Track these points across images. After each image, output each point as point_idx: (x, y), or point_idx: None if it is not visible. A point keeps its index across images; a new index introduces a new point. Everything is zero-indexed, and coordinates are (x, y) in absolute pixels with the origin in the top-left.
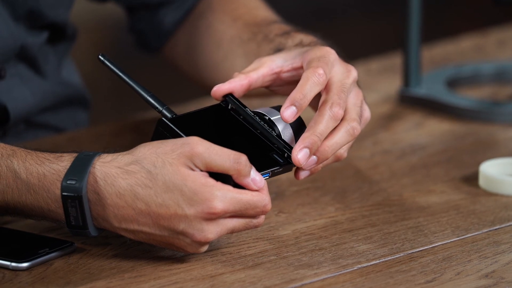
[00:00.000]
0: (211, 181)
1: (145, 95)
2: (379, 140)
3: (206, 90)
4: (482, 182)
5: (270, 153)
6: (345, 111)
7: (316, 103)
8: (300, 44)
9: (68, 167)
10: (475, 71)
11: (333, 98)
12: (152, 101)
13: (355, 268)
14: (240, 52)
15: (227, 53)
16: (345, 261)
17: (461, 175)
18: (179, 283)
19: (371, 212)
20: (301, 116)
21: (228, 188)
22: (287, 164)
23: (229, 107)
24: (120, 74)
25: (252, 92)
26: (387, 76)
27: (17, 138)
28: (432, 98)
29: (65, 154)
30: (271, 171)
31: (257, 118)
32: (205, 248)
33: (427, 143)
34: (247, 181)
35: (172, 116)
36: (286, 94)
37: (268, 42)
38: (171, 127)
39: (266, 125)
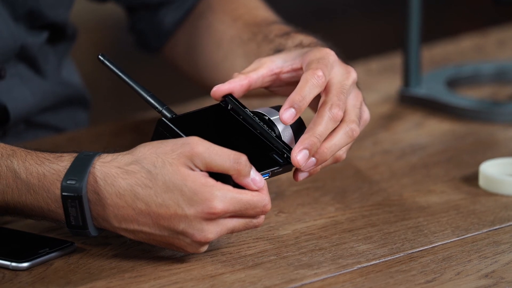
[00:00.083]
0: (211, 181)
1: (145, 95)
2: (379, 140)
3: (206, 90)
4: (482, 182)
5: (270, 153)
6: (344, 113)
7: (315, 104)
8: (300, 45)
9: (68, 167)
10: (475, 71)
11: (333, 100)
12: (152, 101)
13: (355, 268)
14: (240, 52)
15: (227, 53)
16: (345, 261)
17: (461, 175)
18: (179, 283)
19: (371, 212)
20: (301, 117)
21: (228, 188)
22: (287, 164)
23: (229, 107)
24: (120, 74)
25: (252, 93)
26: (387, 76)
27: (17, 138)
28: (432, 98)
29: (65, 154)
30: (271, 171)
31: (257, 118)
32: (205, 248)
33: (427, 143)
34: (247, 181)
35: (172, 116)
36: (286, 94)
37: (268, 42)
38: (171, 127)
39: (265, 126)
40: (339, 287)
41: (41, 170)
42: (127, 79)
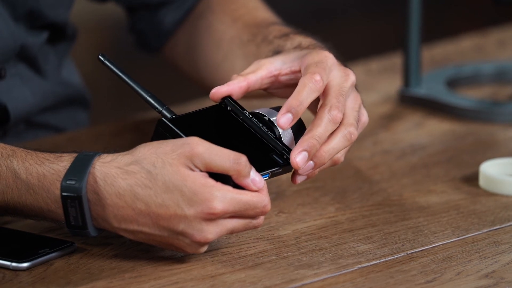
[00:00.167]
0: (211, 181)
1: (145, 96)
2: (379, 140)
3: (205, 90)
4: (482, 182)
5: (269, 154)
6: (343, 116)
7: (314, 106)
8: (299, 47)
9: (68, 167)
10: (475, 71)
11: (332, 102)
12: (152, 102)
13: (355, 268)
14: (240, 53)
15: (227, 54)
16: (345, 261)
17: (461, 175)
18: (180, 283)
19: (371, 212)
20: (301, 118)
21: (228, 189)
22: (287, 165)
23: (229, 108)
24: (120, 74)
25: (251, 94)
26: (387, 76)
27: (17, 138)
28: (432, 98)
29: (65, 154)
30: (270, 172)
31: (256, 120)
32: (205, 248)
33: (427, 143)
34: (246, 182)
35: (172, 116)
36: (284, 96)
37: (267, 43)
38: (171, 127)
39: (264, 127)
40: (339, 287)
41: (41, 170)
42: (127, 80)
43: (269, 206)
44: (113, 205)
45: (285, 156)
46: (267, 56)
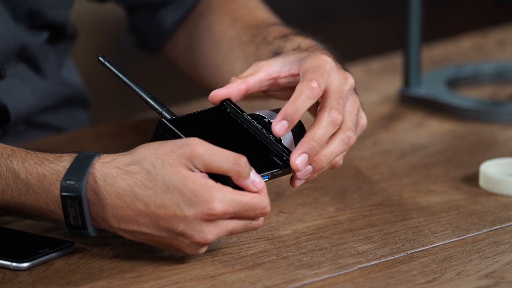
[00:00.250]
0: (211, 182)
1: (145, 97)
2: (379, 140)
3: (205, 90)
4: (482, 182)
5: (269, 156)
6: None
7: (314, 109)
8: (299, 48)
9: (67, 167)
10: (475, 71)
11: (332, 104)
12: (152, 103)
13: (356, 268)
14: (240, 53)
15: (226, 54)
16: (346, 261)
17: (461, 175)
18: (180, 283)
19: (371, 212)
20: (301, 120)
21: (228, 190)
22: (287, 166)
23: (228, 110)
24: (120, 75)
25: (250, 96)
26: (387, 76)
27: (17, 138)
28: (432, 98)
29: (64, 155)
30: (270, 173)
31: (255, 122)
32: (204, 249)
33: (427, 143)
34: (246, 183)
35: (172, 117)
36: (283, 98)
37: (266, 44)
38: (171, 128)
39: (264, 129)
40: (339, 287)
41: (40, 171)
42: (127, 81)
43: (268, 207)
44: (112, 205)
45: (285, 158)
46: (266, 57)
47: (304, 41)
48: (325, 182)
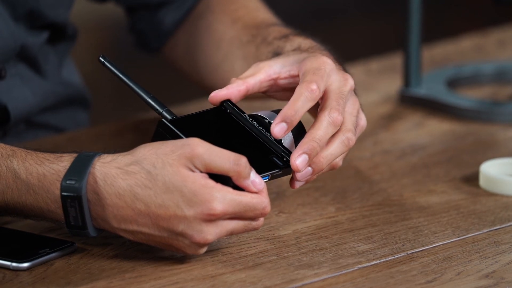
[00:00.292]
0: (211, 182)
1: (146, 97)
2: (379, 140)
3: (205, 90)
4: (482, 182)
5: (270, 156)
6: None
7: (314, 110)
8: (299, 49)
9: (68, 167)
10: (475, 71)
11: (332, 104)
12: (153, 103)
13: (356, 268)
14: (239, 54)
15: (226, 54)
16: (346, 261)
17: (461, 175)
18: (180, 283)
19: (371, 212)
20: (301, 120)
21: (228, 190)
22: (287, 167)
23: (229, 111)
24: (121, 75)
25: (249, 96)
26: (387, 76)
27: (17, 138)
28: (432, 98)
29: (65, 155)
30: (270, 173)
31: (255, 123)
32: (204, 249)
33: (427, 143)
34: (246, 183)
35: (172, 117)
36: (283, 99)
37: (266, 45)
38: (171, 128)
39: (265, 130)
40: (339, 287)
41: (41, 170)
42: (127, 81)
43: (268, 208)
44: (112, 205)
45: (285, 159)
46: (266, 57)
47: (304, 42)
48: (325, 182)
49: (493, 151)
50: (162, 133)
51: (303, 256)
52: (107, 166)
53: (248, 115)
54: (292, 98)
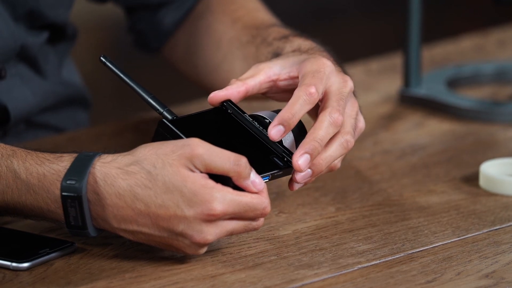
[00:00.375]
0: (211, 182)
1: (146, 97)
2: (379, 140)
3: (205, 90)
4: (482, 182)
5: (270, 156)
6: None
7: (314, 112)
8: (298, 50)
9: (68, 167)
10: (475, 71)
11: (332, 105)
12: (153, 103)
13: (356, 268)
14: (239, 54)
15: (226, 55)
16: (346, 261)
17: (461, 175)
18: (180, 283)
19: (371, 212)
20: (302, 121)
21: (228, 190)
22: (287, 167)
23: (229, 111)
24: (122, 75)
25: (249, 97)
26: (387, 76)
27: (17, 138)
28: (432, 98)
29: (65, 155)
30: (271, 174)
31: (256, 123)
32: (204, 249)
33: (427, 143)
34: (246, 183)
35: (173, 118)
36: (283, 100)
37: (266, 45)
38: (171, 128)
39: (265, 130)
40: (339, 287)
41: (41, 170)
42: (128, 81)
43: (269, 208)
44: (113, 205)
45: (285, 159)
46: (266, 58)
47: (304, 43)
48: (325, 182)
49: (493, 151)
50: (162, 133)
51: (303, 256)
52: (107, 166)
53: (249, 115)
54: (290, 101)
